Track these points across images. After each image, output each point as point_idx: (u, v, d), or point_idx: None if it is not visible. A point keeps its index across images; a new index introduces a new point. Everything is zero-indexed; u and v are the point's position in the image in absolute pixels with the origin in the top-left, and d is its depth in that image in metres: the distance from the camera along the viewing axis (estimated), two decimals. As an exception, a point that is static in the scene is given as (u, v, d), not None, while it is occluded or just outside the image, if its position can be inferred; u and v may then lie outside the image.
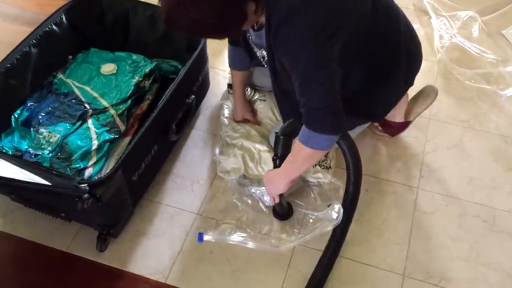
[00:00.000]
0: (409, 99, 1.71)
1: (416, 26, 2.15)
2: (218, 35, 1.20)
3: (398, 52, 1.38)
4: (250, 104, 1.76)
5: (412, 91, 1.63)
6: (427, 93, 1.71)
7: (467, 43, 2.06)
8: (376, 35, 1.30)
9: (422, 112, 1.72)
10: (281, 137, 1.41)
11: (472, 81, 1.94)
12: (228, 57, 1.65)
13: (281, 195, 1.43)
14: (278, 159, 1.41)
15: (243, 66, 1.64)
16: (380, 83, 1.41)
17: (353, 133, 1.56)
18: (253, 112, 1.74)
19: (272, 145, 1.59)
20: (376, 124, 1.76)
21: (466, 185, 1.64)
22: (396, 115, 1.67)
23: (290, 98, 1.28)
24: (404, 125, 1.72)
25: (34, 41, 1.65)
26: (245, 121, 1.72)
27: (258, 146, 1.64)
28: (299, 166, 1.33)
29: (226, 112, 1.77)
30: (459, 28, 2.12)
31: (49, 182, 1.25)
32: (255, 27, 1.32)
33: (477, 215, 1.56)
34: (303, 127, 1.23)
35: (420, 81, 1.79)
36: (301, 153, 1.27)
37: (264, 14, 1.19)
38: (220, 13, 1.09)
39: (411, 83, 1.51)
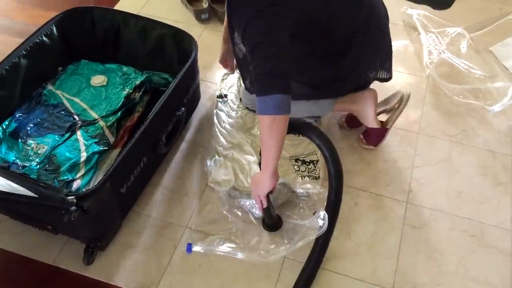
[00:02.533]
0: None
1: (405, 42, 2.20)
2: None
3: (352, 37, 1.45)
4: (230, 51, 1.77)
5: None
6: (399, 99, 1.74)
7: (455, 59, 2.09)
8: (331, 21, 1.38)
9: (397, 118, 1.72)
10: None
11: (461, 97, 1.96)
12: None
13: (270, 204, 1.43)
14: None
15: None
16: (331, 59, 1.49)
17: (322, 110, 1.69)
18: (227, 57, 1.81)
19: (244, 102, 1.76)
20: (361, 136, 1.77)
21: (454, 199, 1.65)
22: (365, 118, 1.71)
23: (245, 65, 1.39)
24: (381, 132, 1.72)
25: (24, 52, 1.64)
26: (225, 65, 1.83)
27: (248, 157, 1.64)
28: (268, 143, 1.30)
29: (218, 124, 1.77)
30: (448, 44, 2.15)
31: (36, 194, 1.24)
32: None
33: (465, 229, 1.57)
34: (256, 98, 1.27)
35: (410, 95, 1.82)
36: (263, 126, 1.28)
37: None
38: None
39: (369, 67, 1.59)
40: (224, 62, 1.82)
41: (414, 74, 2.05)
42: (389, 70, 1.65)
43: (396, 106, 1.73)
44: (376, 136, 1.74)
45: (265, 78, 1.25)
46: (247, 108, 1.80)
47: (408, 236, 1.55)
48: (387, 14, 1.58)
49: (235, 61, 1.72)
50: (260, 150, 1.44)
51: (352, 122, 1.79)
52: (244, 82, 1.69)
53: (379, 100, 1.71)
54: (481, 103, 1.94)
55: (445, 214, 1.61)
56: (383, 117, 1.76)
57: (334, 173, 1.43)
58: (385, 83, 1.69)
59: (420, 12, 2.26)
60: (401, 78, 2.03)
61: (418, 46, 2.16)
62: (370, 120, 1.70)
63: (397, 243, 1.53)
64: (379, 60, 1.62)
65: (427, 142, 1.82)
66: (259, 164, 1.46)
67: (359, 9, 1.44)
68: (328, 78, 1.54)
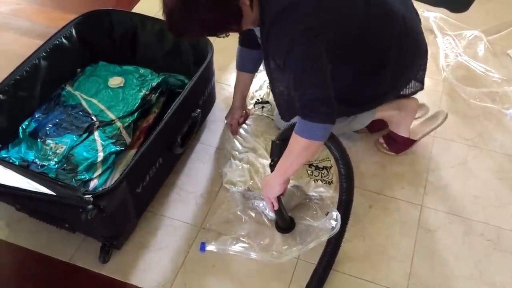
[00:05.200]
0: (420, 120, 1.75)
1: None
2: (219, 31, 1.28)
3: (389, 52, 1.41)
4: (241, 112, 1.80)
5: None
6: (437, 116, 1.74)
7: (472, 62, 2.07)
8: (365, 37, 1.34)
9: (428, 134, 1.73)
10: (277, 142, 1.44)
11: (477, 100, 1.94)
12: (236, 58, 1.70)
13: (282, 206, 1.44)
14: (275, 165, 1.42)
15: (247, 68, 1.69)
16: (368, 76, 1.45)
17: (352, 127, 1.64)
18: (239, 121, 1.80)
19: (278, 126, 1.71)
20: (381, 141, 1.77)
21: (470, 203, 1.64)
22: (401, 125, 1.68)
23: (285, 98, 1.35)
24: (409, 142, 1.72)
25: (44, 53, 1.68)
26: (233, 123, 1.78)
27: (263, 161, 1.66)
28: (293, 161, 1.33)
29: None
30: (465, 47, 2.14)
31: (54, 192, 1.26)
32: (256, 25, 1.36)
33: (481, 233, 1.56)
34: (299, 119, 1.27)
35: (425, 99, 1.83)
36: (297, 145, 1.29)
37: (259, 11, 1.27)
38: (217, 9, 1.19)
39: (405, 79, 1.55)
40: (230, 120, 1.79)
41: (431, 77, 2.04)
42: (422, 81, 1.62)
43: (428, 119, 1.75)
44: (402, 145, 1.73)
45: (312, 105, 1.24)
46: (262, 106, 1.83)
47: (422, 240, 1.54)
48: (419, 19, 1.54)
49: (268, 86, 1.67)
50: (272, 152, 1.46)
51: (372, 126, 1.77)
52: (278, 108, 1.60)
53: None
54: (498, 107, 1.92)
55: (460, 218, 1.60)
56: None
57: (344, 173, 1.43)
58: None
59: (437, 15, 2.25)
60: (417, 81, 2.02)
61: (434, 49, 2.15)
62: (405, 129, 1.69)
63: (412, 246, 1.52)
64: (416, 71, 1.58)
65: (443, 145, 1.81)
66: (271, 165, 1.46)
67: (392, 22, 1.40)
68: (368, 95, 1.52)
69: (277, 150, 1.45)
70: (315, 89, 1.23)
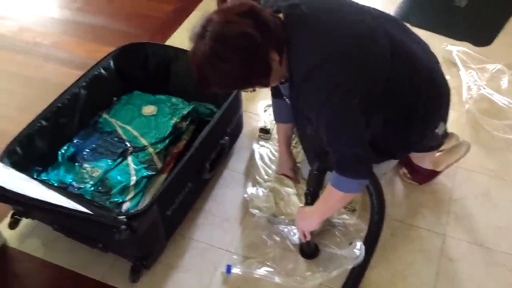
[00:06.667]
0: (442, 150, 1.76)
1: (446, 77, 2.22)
2: (248, 86, 1.28)
3: (417, 98, 1.40)
4: (293, 161, 1.76)
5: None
6: (460, 147, 1.76)
7: (495, 95, 2.10)
8: (394, 85, 1.33)
9: (452, 164, 1.76)
10: (315, 172, 1.48)
11: (501, 132, 1.97)
12: (273, 111, 1.71)
13: (310, 233, 1.48)
14: (310, 195, 1.48)
15: (285, 118, 1.66)
16: (397, 127, 1.44)
17: (379, 171, 1.59)
18: (294, 169, 1.75)
19: (305, 176, 1.67)
20: (405, 171, 1.80)
21: (493, 234, 1.64)
22: (424, 159, 1.71)
23: (313, 143, 1.35)
24: (433, 173, 1.75)
25: (84, 83, 1.79)
26: (290, 174, 1.74)
27: (288, 190, 1.71)
28: (331, 207, 1.40)
29: (258, 155, 1.85)
30: (488, 80, 2.17)
31: (91, 212, 1.34)
32: (284, 81, 1.35)
33: (503, 264, 1.56)
34: (334, 171, 1.29)
35: (449, 130, 1.84)
36: (333, 196, 1.34)
37: (287, 68, 1.26)
38: (246, 65, 1.17)
39: (433, 125, 1.52)
40: (285, 175, 1.74)
41: (454, 109, 2.06)
42: (446, 121, 1.60)
43: (451, 150, 1.77)
44: (426, 176, 1.76)
45: (347, 163, 1.26)
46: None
47: (445, 269, 1.55)
48: (437, 60, 1.51)
49: (298, 136, 1.70)
50: (309, 181, 1.51)
51: None
52: (308, 157, 1.61)
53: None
54: (521, 139, 1.94)
55: (483, 248, 1.61)
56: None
57: (377, 207, 1.48)
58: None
59: (460, 49, 2.30)
60: (440, 112, 2.05)
61: (457, 82, 2.19)
62: (428, 163, 1.72)
63: (434, 275, 1.54)
64: (444, 114, 1.57)
65: (466, 175, 1.83)
66: (305, 194, 1.52)
67: (419, 73, 1.38)
68: (398, 144, 1.51)
69: (315, 180, 1.50)
70: (350, 146, 1.24)
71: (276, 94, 1.61)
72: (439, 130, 1.56)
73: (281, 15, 1.25)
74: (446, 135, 1.64)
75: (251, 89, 1.30)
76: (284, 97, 1.50)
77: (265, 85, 1.28)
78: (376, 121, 1.39)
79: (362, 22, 1.29)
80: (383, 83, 1.30)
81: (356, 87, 1.22)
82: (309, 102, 1.26)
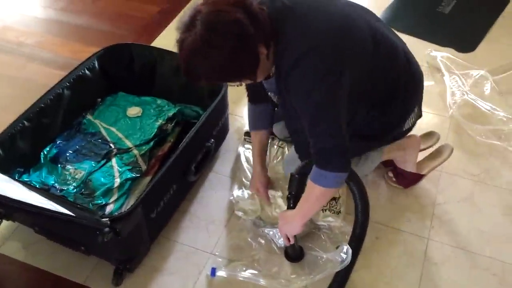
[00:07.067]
0: (427, 151, 1.79)
1: (429, 83, 2.25)
2: (235, 79, 1.27)
3: (398, 84, 1.44)
4: (265, 173, 1.70)
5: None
6: (443, 150, 1.78)
7: (479, 101, 2.13)
8: (377, 73, 1.36)
9: (435, 167, 1.77)
10: (296, 176, 1.48)
11: (483, 137, 1.99)
12: (248, 119, 1.66)
13: (294, 237, 1.48)
14: (292, 198, 1.48)
15: (261, 124, 1.64)
16: (379, 111, 1.46)
17: (362, 173, 1.60)
18: (266, 184, 1.68)
19: (285, 172, 1.66)
20: (390, 175, 1.81)
21: (476, 238, 1.66)
22: (407, 161, 1.72)
23: (303, 137, 1.34)
24: (417, 177, 1.76)
25: (67, 83, 1.77)
26: (257, 191, 1.68)
27: (273, 192, 1.70)
28: (312, 205, 1.39)
29: (244, 158, 1.85)
30: (471, 86, 2.19)
31: (74, 214, 1.32)
32: (270, 75, 1.34)
33: (487, 268, 1.58)
34: (314, 166, 1.31)
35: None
36: (313, 192, 1.34)
37: (273, 61, 1.27)
38: (237, 54, 1.16)
39: (412, 108, 1.55)
40: (256, 189, 1.68)
41: (438, 114, 2.10)
42: (421, 108, 1.64)
43: (435, 153, 1.79)
44: (410, 180, 1.77)
45: (326, 154, 1.27)
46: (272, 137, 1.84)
47: (428, 272, 1.56)
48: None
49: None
50: (290, 185, 1.51)
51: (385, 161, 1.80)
52: (299, 152, 1.58)
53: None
54: (504, 144, 1.96)
55: (466, 252, 1.62)
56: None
57: (361, 207, 1.48)
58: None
59: (444, 55, 2.33)
60: (425, 117, 2.05)
61: (441, 87, 2.21)
62: (411, 165, 1.73)
63: (418, 278, 1.54)
64: (420, 98, 1.60)
65: (449, 180, 1.84)
66: (288, 198, 1.52)
67: (398, 57, 1.42)
68: (381, 127, 1.53)
69: (295, 183, 1.50)
70: (332, 136, 1.26)
71: (253, 98, 1.60)
72: (414, 114, 1.59)
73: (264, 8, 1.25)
74: (420, 115, 1.65)
75: (238, 83, 1.29)
76: (268, 93, 1.50)
77: (253, 78, 1.27)
78: (360, 105, 1.41)
79: (342, 11, 1.32)
80: (368, 70, 1.33)
81: (343, 75, 1.23)
82: (297, 90, 1.26)
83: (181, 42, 1.17)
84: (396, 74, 1.43)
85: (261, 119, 1.63)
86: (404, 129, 1.61)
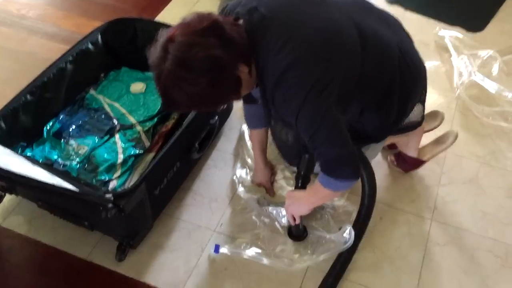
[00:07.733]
0: (431, 133, 1.77)
1: (436, 62, 2.22)
2: (218, 103, 1.24)
3: (391, 82, 1.36)
4: (269, 169, 1.71)
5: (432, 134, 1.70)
6: (447, 137, 1.76)
7: (486, 82, 2.10)
8: (367, 77, 1.30)
9: (437, 154, 1.75)
10: (306, 155, 1.47)
11: (490, 118, 1.97)
12: (245, 117, 1.64)
13: (300, 216, 1.48)
14: (301, 178, 1.47)
15: (258, 123, 1.61)
16: (375, 110, 1.41)
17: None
18: (271, 178, 1.70)
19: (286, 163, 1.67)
20: (392, 158, 1.80)
21: (479, 219, 1.66)
22: (409, 146, 1.71)
23: (290, 143, 1.33)
24: (418, 162, 1.74)
25: (70, 58, 1.75)
26: (261, 185, 1.69)
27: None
28: (320, 199, 1.43)
29: (248, 136, 1.83)
30: (479, 67, 2.16)
31: (78, 189, 1.31)
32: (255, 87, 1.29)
33: (489, 250, 1.58)
34: (321, 171, 1.29)
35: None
36: (322, 192, 1.34)
37: (257, 76, 1.21)
38: (214, 82, 1.11)
39: (411, 104, 1.50)
40: (260, 183, 1.69)
41: (444, 95, 2.07)
42: (424, 102, 1.59)
43: (438, 139, 1.77)
44: (411, 165, 1.76)
45: (332, 165, 1.25)
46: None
47: (431, 253, 1.56)
48: (411, 39, 1.47)
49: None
50: (299, 164, 1.50)
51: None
52: (285, 157, 1.62)
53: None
54: (510, 126, 1.94)
55: (470, 233, 1.62)
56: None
57: (369, 191, 1.48)
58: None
59: (453, 34, 2.29)
60: (431, 98, 2.03)
61: (449, 67, 2.18)
62: (413, 150, 1.72)
63: (420, 259, 1.55)
64: (420, 94, 1.54)
65: (454, 161, 1.83)
66: (296, 177, 1.52)
67: (390, 57, 1.34)
68: (377, 126, 1.48)
69: (304, 163, 1.49)
70: (332, 147, 1.23)
71: (246, 100, 1.54)
72: (416, 111, 1.55)
73: (241, 22, 1.19)
74: (423, 117, 1.61)
75: (223, 107, 1.25)
76: (257, 99, 1.45)
77: (237, 98, 1.25)
78: (353, 108, 1.38)
79: (325, 14, 1.24)
80: (356, 75, 1.27)
81: (331, 84, 1.18)
82: (286, 107, 1.22)
83: (157, 76, 1.13)
84: (390, 75, 1.35)
85: (258, 117, 1.58)
86: (403, 125, 1.56)
